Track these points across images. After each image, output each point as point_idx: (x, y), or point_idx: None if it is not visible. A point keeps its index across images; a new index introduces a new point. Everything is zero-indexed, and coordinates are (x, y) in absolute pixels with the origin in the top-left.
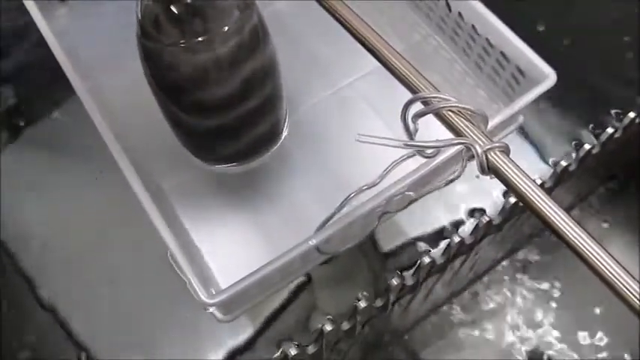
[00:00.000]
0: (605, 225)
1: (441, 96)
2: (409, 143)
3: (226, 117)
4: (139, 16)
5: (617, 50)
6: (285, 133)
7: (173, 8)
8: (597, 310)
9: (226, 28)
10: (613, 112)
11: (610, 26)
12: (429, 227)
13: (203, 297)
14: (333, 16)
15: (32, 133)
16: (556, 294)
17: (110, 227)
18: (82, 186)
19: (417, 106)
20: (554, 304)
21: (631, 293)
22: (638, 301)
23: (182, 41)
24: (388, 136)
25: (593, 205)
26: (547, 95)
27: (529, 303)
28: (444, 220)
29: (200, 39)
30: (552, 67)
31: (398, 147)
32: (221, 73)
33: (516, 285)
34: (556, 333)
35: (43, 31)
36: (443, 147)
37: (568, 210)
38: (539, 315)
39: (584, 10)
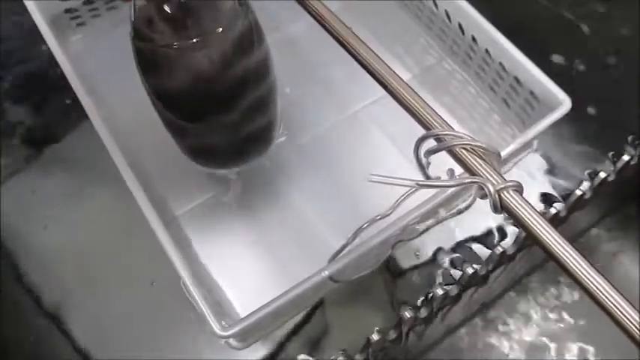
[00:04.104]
0: (620, 249)
1: (454, 133)
2: (421, 183)
3: (220, 117)
4: (132, 17)
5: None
6: (280, 135)
7: (166, 8)
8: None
9: (220, 29)
10: (629, 138)
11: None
12: (444, 246)
13: (217, 329)
14: (348, 50)
15: (48, 155)
16: (571, 320)
17: (124, 250)
18: (97, 209)
19: (430, 141)
20: (567, 329)
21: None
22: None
23: (175, 43)
24: (400, 160)
25: (607, 230)
26: (563, 119)
27: (544, 326)
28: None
29: (194, 40)
30: (568, 92)
31: (410, 187)
32: (215, 74)
33: (531, 308)
34: (570, 356)
35: (57, 57)
36: (455, 186)
37: (582, 233)
38: (553, 338)
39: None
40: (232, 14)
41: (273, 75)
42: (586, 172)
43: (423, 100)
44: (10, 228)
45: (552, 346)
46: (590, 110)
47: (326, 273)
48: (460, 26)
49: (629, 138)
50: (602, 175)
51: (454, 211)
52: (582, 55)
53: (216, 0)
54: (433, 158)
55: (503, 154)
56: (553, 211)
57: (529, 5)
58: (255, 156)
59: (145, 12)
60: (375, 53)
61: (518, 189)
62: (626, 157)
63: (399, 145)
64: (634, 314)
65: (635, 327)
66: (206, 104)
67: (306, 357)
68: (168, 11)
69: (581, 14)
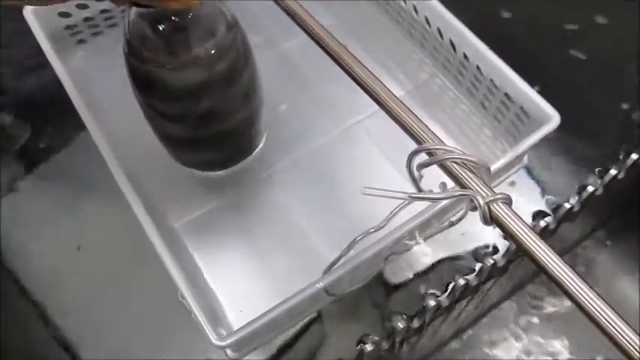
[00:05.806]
0: (610, 259)
1: (445, 147)
2: (413, 196)
3: (209, 130)
4: (127, 31)
5: (620, 89)
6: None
7: (159, 26)
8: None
9: (212, 49)
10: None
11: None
12: (436, 259)
13: (214, 339)
14: (342, 67)
15: (46, 168)
16: (562, 332)
17: (122, 264)
18: (94, 221)
19: (422, 155)
20: (560, 341)
21: (625, 340)
22: (627, 343)
23: (168, 62)
24: (393, 174)
25: (597, 241)
26: (551, 134)
27: (536, 339)
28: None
29: (187, 59)
30: (557, 107)
31: (403, 199)
32: (207, 93)
33: (523, 321)
34: None
35: (58, 72)
36: (446, 199)
37: (573, 246)
38: (546, 351)
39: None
40: (224, 33)
41: (261, 89)
42: (575, 186)
43: (416, 116)
44: (7, 241)
45: (544, 358)
46: (580, 124)
47: (321, 284)
48: (452, 43)
49: (617, 152)
50: (591, 189)
51: (446, 224)
52: (573, 69)
53: (209, 20)
54: (427, 173)
55: (493, 168)
56: (542, 223)
57: (519, 21)
58: (242, 159)
59: (139, 29)
60: (368, 69)
61: (507, 201)
62: (613, 172)
63: (392, 159)
64: (619, 322)
65: (619, 333)
66: (195, 120)
67: None
68: (162, 29)
69: (571, 27)
